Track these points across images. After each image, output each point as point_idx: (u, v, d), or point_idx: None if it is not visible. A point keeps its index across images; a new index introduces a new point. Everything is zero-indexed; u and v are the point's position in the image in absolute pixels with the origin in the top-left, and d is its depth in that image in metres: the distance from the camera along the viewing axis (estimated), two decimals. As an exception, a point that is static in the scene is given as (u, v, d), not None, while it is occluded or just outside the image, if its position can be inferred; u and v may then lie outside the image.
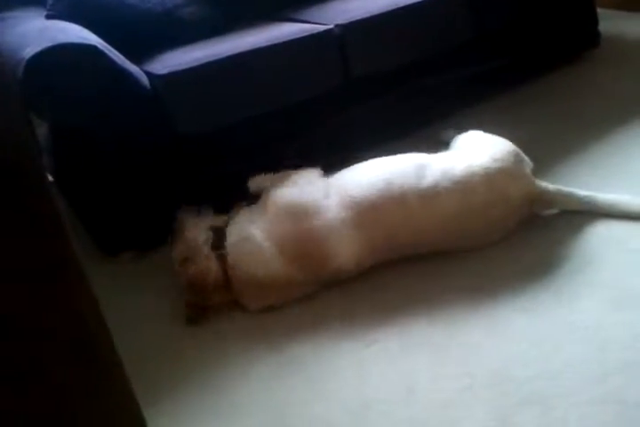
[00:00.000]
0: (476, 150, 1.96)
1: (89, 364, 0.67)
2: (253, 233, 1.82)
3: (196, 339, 1.77)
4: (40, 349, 0.63)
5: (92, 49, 1.85)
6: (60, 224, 0.63)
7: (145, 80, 2.02)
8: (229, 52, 2.13)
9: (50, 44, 1.79)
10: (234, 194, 2.22)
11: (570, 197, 1.98)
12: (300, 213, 1.82)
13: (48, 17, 2.22)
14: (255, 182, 2.06)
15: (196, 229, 1.92)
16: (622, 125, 2.57)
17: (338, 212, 1.81)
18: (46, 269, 0.62)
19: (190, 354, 1.72)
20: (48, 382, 0.66)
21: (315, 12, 2.61)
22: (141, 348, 1.72)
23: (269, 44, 2.20)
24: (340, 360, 1.63)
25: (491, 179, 1.85)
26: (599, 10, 3.29)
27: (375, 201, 1.81)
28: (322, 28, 2.35)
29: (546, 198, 1.96)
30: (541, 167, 2.12)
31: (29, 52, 1.77)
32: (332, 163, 2.07)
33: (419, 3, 2.51)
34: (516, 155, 1.94)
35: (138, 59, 2.10)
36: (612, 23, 3.60)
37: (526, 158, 1.99)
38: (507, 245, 1.90)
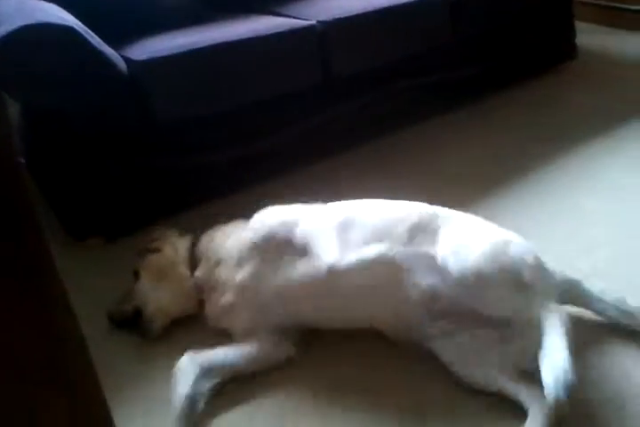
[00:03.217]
0: None
1: (54, 350, 0.65)
2: None
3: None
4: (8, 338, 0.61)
5: (69, 30, 1.82)
6: (33, 216, 0.60)
7: (122, 65, 1.99)
8: (210, 42, 2.12)
9: (26, 22, 1.76)
10: (207, 186, 2.23)
11: None
12: None
13: (27, -4, 2.18)
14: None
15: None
16: (586, 139, 2.60)
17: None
18: (17, 262, 0.60)
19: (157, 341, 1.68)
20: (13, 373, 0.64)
21: (298, 8, 2.61)
22: (107, 334, 1.69)
23: (251, 35, 2.19)
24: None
25: None
26: (579, 23, 3.34)
27: None
28: (304, 23, 2.35)
29: None
30: (498, 180, 2.19)
31: (4, 29, 1.73)
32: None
33: (401, 5, 2.54)
34: None
35: (117, 44, 2.07)
36: (592, 37, 3.67)
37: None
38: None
